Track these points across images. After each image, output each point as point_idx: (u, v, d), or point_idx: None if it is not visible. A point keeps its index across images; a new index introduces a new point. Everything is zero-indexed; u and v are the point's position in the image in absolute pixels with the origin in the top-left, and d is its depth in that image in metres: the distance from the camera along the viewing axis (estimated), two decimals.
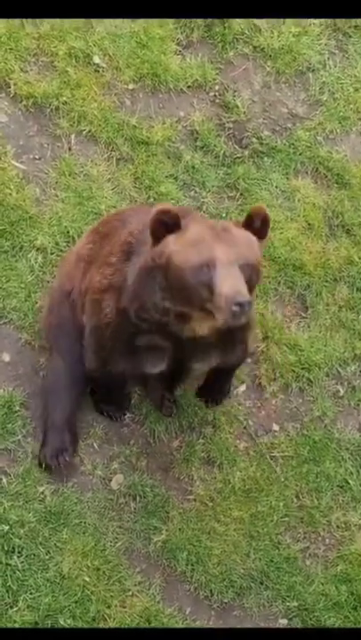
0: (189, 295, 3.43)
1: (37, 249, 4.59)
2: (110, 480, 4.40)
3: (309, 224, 5.01)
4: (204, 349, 3.81)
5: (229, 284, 3.33)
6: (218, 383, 4.43)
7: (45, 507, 4.26)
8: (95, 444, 4.44)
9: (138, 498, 4.38)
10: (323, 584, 4.41)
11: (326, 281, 4.93)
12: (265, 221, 3.57)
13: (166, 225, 3.46)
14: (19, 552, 4.14)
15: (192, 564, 4.32)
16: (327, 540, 4.52)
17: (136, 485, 4.39)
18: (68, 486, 4.33)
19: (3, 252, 4.55)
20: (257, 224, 3.56)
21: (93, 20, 5.05)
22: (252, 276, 3.45)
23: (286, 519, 4.51)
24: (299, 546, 4.48)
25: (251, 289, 3.45)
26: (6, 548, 4.13)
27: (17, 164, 4.73)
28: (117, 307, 3.77)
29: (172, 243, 3.46)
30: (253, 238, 3.53)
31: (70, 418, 4.31)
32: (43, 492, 4.29)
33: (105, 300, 3.85)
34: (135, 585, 4.22)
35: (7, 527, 4.17)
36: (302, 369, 4.75)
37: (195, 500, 4.44)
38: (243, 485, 4.51)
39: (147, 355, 3.82)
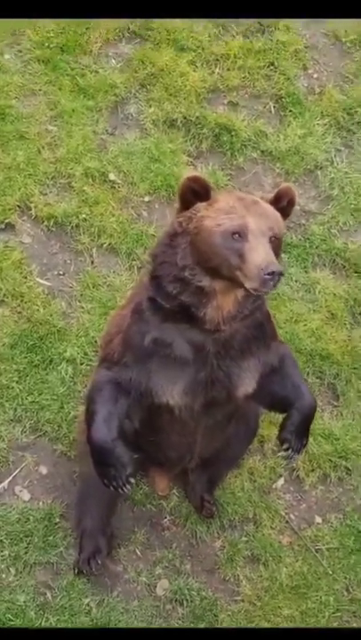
0: (218, 261, 3.37)
1: (67, 360, 4.68)
2: (155, 586, 4.34)
3: (332, 314, 5.07)
4: (233, 354, 3.67)
5: (262, 253, 3.31)
6: (294, 414, 3.86)
7: (92, 619, 4.20)
8: (137, 551, 4.40)
9: (185, 603, 4.31)
10: None
11: (355, 368, 4.95)
12: (291, 202, 3.57)
13: (195, 193, 3.46)
14: None
15: None
16: None
17: (182, 590, 4.33)
18: (113, 596, 4.28)
19: (34, 366, 4.65)
20: (283, 203, 3.55)
21: (107, 141, 5.31)
22: (276, 249, 3.42)
23: (338, 614, 4.39)
24: None
25: None
26: None
27: (42, 282, 4.89)
28: (134, 301, 3.73)
29: (202, 208, 3.44)
30: (278, 214, 3.51)
31: (103, 522, 4.29)
32: (88, 604, 4.24)
33: (112, 334, 3.87)
34: None
35: None
36: (339, 458, 4.72)
37: (242, 600, 4.36)
38: (290, 582, 4.42)
39: (161, 365, 3.64)
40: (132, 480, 3.76)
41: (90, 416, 3.77)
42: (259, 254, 3.31)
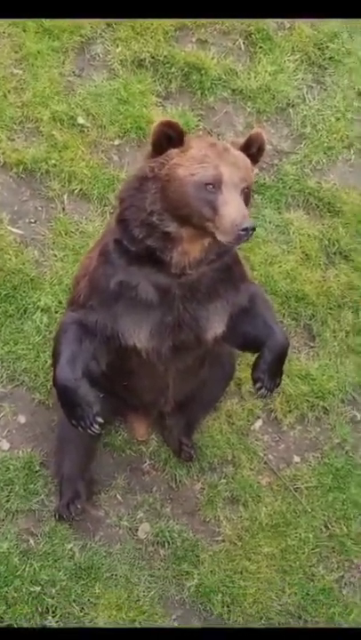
0: (189, 211, 3.35)
1: (42, 309, 4.65)
2: (137, 530, 4.40)
3: (307, 254, 5.05)
4: (200, 298, 3.66)
5: (236, 206, 3.30)
6: (266, 350, 3.80)
7: (75, 563, 4.26)
8: (118, 495, 4.45)
9: (166, 544, 4.38)
10: None
11: (330, 308, 4.96)
12: (261, 148, 3.54)
13: (169, 138, 3.41)
14: (53, 612, 4.13)
15: (228, 606, 4.29)
16: None
17: (163, 532, 4.39)
18: (96, 540, 4.34)
19: (8, 316, 4.61)
20: (253, 150, 3.52)
21: (74, 83, 5.19)
22: (247, 199, 3.41)
23: (318, 550, 4.48)
24: (333, 576, 4.45)
25: None
26: (40, 610, 4.13)
27: (13, 230, 4.82)
28: (101, 244, 3.72)
29: (175, 155, 3.39)
30: (249, 161, 3.48)
31: (82, 467, 4.32)
32: (71, 549, 4.29)
33: (79, 277, 3.86)
34: None
35: (39, 588, 4.17)
36: (316, 398, 4.75)
37: (223, 540, 4.43)
38: (270, 521, 4.49)
39: (127, 308, 3.64)
40: (100, 420, 3.74)
41: (55, 357, 3.78)
42: (233, 208, 3.30)
